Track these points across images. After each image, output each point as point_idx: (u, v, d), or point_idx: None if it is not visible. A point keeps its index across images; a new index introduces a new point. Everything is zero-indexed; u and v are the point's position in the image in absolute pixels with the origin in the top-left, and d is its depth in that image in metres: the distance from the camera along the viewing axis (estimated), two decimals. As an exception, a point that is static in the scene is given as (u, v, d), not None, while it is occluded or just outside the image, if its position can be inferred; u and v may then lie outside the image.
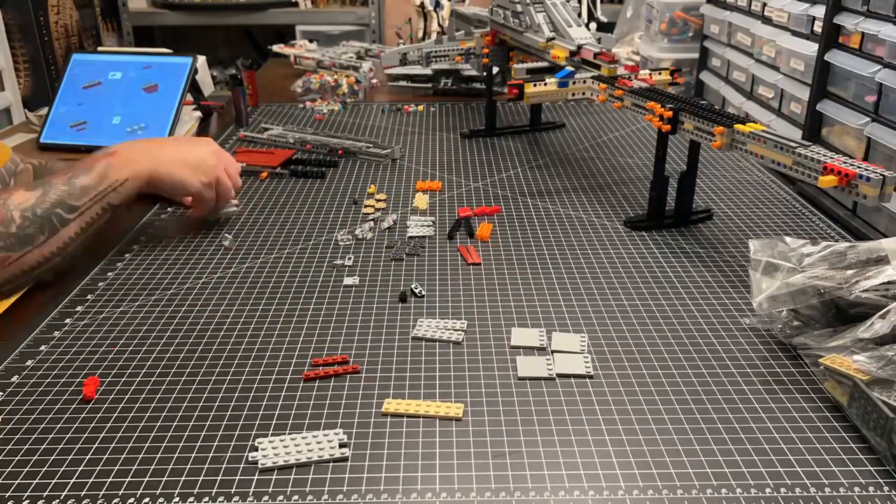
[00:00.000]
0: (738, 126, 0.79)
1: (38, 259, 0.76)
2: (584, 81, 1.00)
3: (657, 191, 0.94)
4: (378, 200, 1.03)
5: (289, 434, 0.58)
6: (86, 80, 1.33)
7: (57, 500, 0.52)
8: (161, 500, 0.52)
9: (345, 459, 0.55)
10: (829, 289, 0.65)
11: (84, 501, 0.52)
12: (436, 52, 1.33)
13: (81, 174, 0.80)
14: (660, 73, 1.04)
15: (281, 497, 0.52)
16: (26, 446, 0.57)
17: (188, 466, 0.55)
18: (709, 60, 1.55)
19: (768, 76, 1.23)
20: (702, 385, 0.64)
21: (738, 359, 0.67)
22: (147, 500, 0.52)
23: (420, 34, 1.86)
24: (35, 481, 0.53)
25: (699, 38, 1.57)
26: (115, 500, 0.52)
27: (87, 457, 0.56)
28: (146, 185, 0.85)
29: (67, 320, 0.74)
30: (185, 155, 0.87)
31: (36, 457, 0.56)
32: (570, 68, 1.04)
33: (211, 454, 0.56)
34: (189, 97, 1.40)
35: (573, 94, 1.01)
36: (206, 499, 0.52)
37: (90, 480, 0.53)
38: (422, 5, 1.81)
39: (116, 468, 0.54)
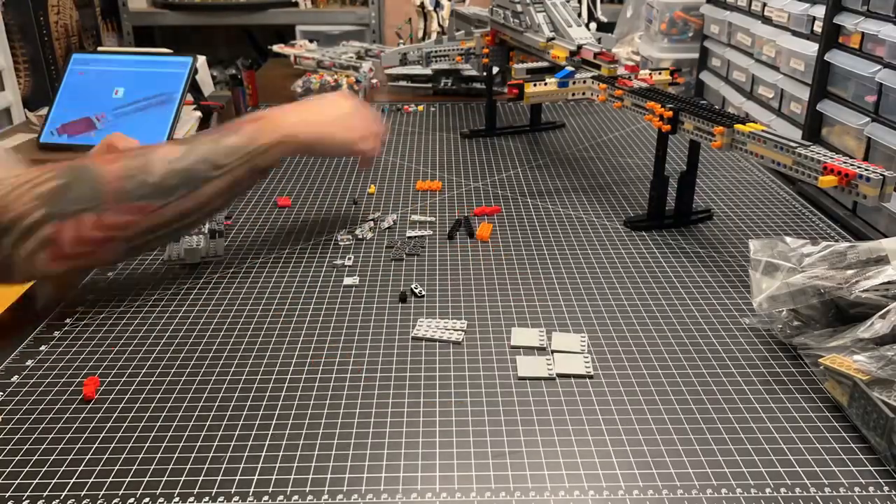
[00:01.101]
0: (738, 126, 0.79)
1: (178, 211, 0.74)
2: (584, 81, 1.00)
3: (657, 191, 0.94)
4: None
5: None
6: (86, 79, 1.33)
7: (57, 500, 0.52)
8: (161, 500, 0.52)
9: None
10: (829, 289, 0.65)
11: (84, 501, 0.52)
12: (436, 52, 1.33)
13: (229, 135, 0.78)
14: (660, 73, 1.04)
15: (281, 497, 0.52)
16: (26, 446, 0.57)
17: (188, 466, 0.55)
18: (709, 60, 1.55)
19: (768, 76, 1.23)
20: (702, 385, 0.64)
21: (738, 359, 0.67)
22: (147, 500, 0.52)
23: (420, 34, 1.86)
24: (35, 481, 0.53)
25: (699, 38, 1.57)
26: (115, 500, 0.52)
27: (87, 457, 0.56)
28: (298, 150, 0.84)
29: (67, 320, 0.74)
30: (337, 111, 0.87)
31: (36, 457, 0.56)
32: (570, 68, 1.04)
33: (211, 454, 0.56)
34: (189, 97, 1.40)
35: (573, 94, 1.01)
36: (206, 499, 0.52)
37: (90, 480, 0.53)
38: (422, 5, 1.81)
39: (116, 468, 0.54)
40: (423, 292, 0.78)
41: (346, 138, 0.86)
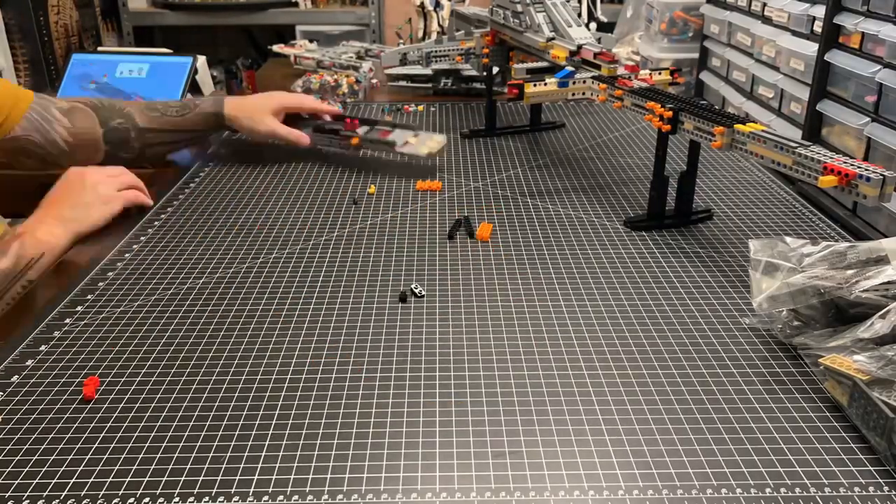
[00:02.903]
0: (738, 126, 0.79)
1: None
2: (584, 81, 1.00)
3: (657, 191, 0.94)
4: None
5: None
6: (86, 80, 1.33)
7: (57, 500, 0.52)
8: (161, 500, 0.52)
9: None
10: (829, 289, 0.65)
11: (84, 501, 0.52)
12: (436, 52, 1.33)
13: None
14: (660, 73, 1.04)
15: (281, 497, 0.52)
16: (26, 446, 0.57)
17: (188, 466, 0.55)
18: (709, 60, 1.55)
19: (768, 76, 1.23)
20: (702, 385, 0.64)
21: (738, 359, 0.67)
22: (147, 500, 0.52)
23: (420, 34, 1.86)
24: (35, 481, 0.53)
25: (699, 38, 1.57)
26: (115, 500, 0.52)
27: (87, 457, 0.56)
28: (64, 251, 0.88)
29: (67, 320, 0.74)
30: (87, 209, 0.92)
31: (36, 457, 0.56)
32: (570, 68, 1.04)
33: (211, 454, 0.56)
34: (189, 97, 1.40)
35: (573, 94, 1.01)
36: (206, 499, 0.52)
37: (90, 480, 0.53)
38: (422, 5, 1.81)
39: (116, 468, 0.54)
40: (423, 292, 0.78)
41: (100, 218, 0.93)
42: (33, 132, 0.95)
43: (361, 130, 1.18)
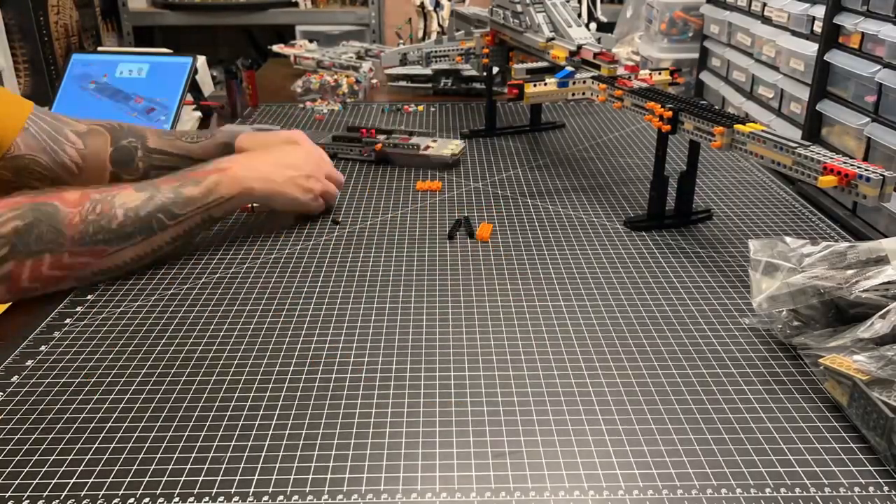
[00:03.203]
0: (738, 126, 0.79)
1: (132, 256, 0.80)
2: (584, 81, 1.00)
3: (657, 191, 0.94)
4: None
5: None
6: (86, 80, 1.33)
7: (57, 500, 0.52)
8: (161, 500, 0.52)
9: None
10: (829, 289, 0.65)
11: (84, 501, 0.52)
12: (436, 52, 1.33)
13: (190, 184, 0.83)
14: (660, 73, 1.04)
15: (281, 497, 0.52)
16: (26, 446, 0.57)
17: (188, 466, 0.55)
18: (709, 60, 1.55)
19: (768, 76, 1.23)
20: (702, 385, 0.64)
21: (738, 359, 0.67)
22: (147, 500, 0.52)
23: (420, 34, 1.86)
24: (35, 481, 0.53)
25: (699, 38, 1.57)
26: (115, 500, 0.52)
27: (87, 457, 0.56)
28: (252, 202, 0.90)
29: (67, 320, 0.74)
30: (293, 171, 0.91)
31: (36, 457, 0.56)
32: (570, 68, 1.04)
33: (211, 454, 0.56)
34: (189, 97, 1.40)
35: (573, 94, 1.01)
36: (206, 499, 0.52)
37: (90, 480, 0.53)
38: (422, 5, 1.81)
39: (116, 468, 0.54)
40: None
41: (296, 198, 0.91)
42: (40, 153, 0.90)
43: (381, 137, 1.18)
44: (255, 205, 0.98)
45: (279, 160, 0.91)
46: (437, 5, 1.80)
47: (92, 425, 0.59)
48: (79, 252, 0.75)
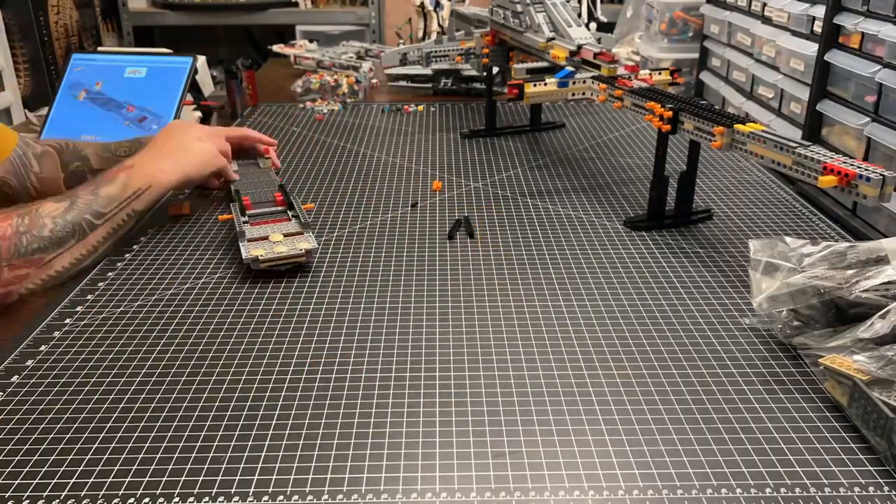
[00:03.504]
0: (738, 126, 0.79)
1: (70, 261, 0.81)
2: (584, 81, 1.00)
3: (657, 191, 0.94)
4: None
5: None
6: (86, 79, 1.33)
7: (57, 500, 0.52)
8: (161, 500, 0.52)
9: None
10: (829, 289, 0.65)
11: (84, 501, 0.52)
12: (436, 52, 1.33)
13: (105, 185, 0.86)
14: (660, 73, 1.04)
15: (281, 497, 0.52)
16: (26, 446, 0.57)
17: (188, 466, 0.55)
18: (709, 60, 1.55)
19: (768, 76, 1.23)
20: (702, 385, 0.64)
21: (738, 359, 0.67)
22: (147, 500, 0.52)
23: (420, 34, 1.86)
24: (35, 481, 0.53)
25: (699, 38, 1.57)
26: (115, 500, 0.52)
27: (87, 457, 0.56)
28: (166, 192, 0.91)
29: (67, 320, 0.74)
30: (193, 155, 0.95)
31: (36, 457, 0.56)
32: (570, 68, 1.04)
33: (211, 454, 0.56)
34: (189, 97, 1.40)
35: (573, 94, 1.01)
36: (206, 499, 0.52)
37: (90, 480, 0.53)
38: (422, 5, 1.81)
39: (116, 468, 0.54)
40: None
41: (200, 176, 0.96)
42: (11, 176, 0.93)
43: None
44: (182, 207, 1.00)
45: (168, 138, 0.95)
46: (437, 5, 1.80)
47: (92, 425, 0.59)
48: (18, 265, 0.77)
